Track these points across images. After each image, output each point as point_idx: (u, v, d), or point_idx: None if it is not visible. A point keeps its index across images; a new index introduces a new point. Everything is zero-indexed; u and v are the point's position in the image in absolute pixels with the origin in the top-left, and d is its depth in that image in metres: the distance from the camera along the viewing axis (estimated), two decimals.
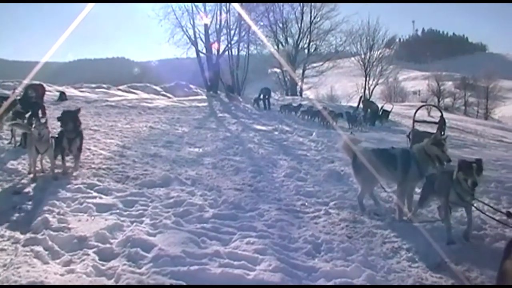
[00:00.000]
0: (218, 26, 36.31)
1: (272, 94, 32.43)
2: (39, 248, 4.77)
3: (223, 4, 35.55)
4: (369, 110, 27.21)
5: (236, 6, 34.42)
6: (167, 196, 7.11)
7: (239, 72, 40.06)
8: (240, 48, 41.13)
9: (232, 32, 37.49)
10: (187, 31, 35.56)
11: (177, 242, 5.12)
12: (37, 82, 18.16)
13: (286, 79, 54.10)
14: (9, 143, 10.59)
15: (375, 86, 60.44)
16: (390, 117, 28.42)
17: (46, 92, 17.69)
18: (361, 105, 29.01)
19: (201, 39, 36.16)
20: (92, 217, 5.96)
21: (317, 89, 61.70)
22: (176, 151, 11.25)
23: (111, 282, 4.26)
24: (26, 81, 18.50)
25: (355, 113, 25.20)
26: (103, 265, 4.55)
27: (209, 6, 35.85)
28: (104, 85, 36.37)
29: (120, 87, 37.52)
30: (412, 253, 5.26)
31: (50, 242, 4.94)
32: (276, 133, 16.67)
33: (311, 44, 54.95)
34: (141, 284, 4.19)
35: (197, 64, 36.65)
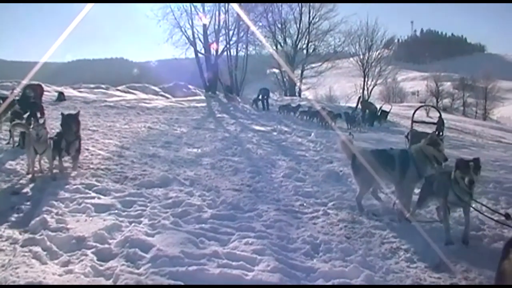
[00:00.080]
0: (216, 27, 36.31)
1: (271, 94, 32.48)
2: (37, 249, 4.77)
3: (221, 4, 35.55)
4: (367, 110, 27.20)
5: (235, 6, 34.43)
6: (165, 197, 7.11)
7: (238, 72, 40.06)
8: (239, 49, 41.21)
9: (231, 32, 37.48)
10: (185, 31, 35.55)
11: (175, 242, 5.12)
12: (36, 82, 18.17)
13: (284, 79, 54.21)
14: (8, 143, 10.59)
15: (373, 87, 60.53)
16: (388, 117, 28.41)
17: (45, 93, 17.72)
18: (359, 106, 28.99)
19: (200, 40, 36.15)
20: (90, 218, 5.96)
21: (315, 90, 61.80)
22: (174, 152, 11.24)
23: (109, 283, 4.26)
24: (24, 82, 18.52)
25: (354, 114, 25.20)
26: (101, 265, 4.54)
27: (208, 6, 35.85)
28: (103, 86, 36.39)
29: (119, 88, 37.55)
30: (410, 253, 5.26)
31: (48, 243, 4.94)
32: (275, 133, 16.66)
33: (309, 44, 55.05)
34: (140, 284, 4.19)
35: (196, 64, 36.62)
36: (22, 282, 4.07)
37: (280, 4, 48.35)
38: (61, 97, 24.19)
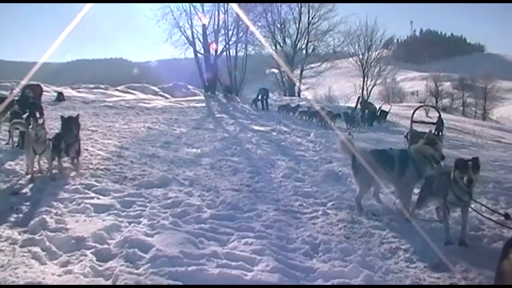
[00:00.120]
0: (216, 27, 36.32)
1: (270, 94, 32.46)
2: (36, 249, 4.76)
3: (221, 4, 35.57)
4: (366, 111, 27.20)
5: (234, 6, 34.44)
6: (165, 197, 7.11)
7: (237, 72, 40.04)
8: (238, 49, 41.17)
9: (230, 32, 37.50)
10: (185, 31, 35.58)
11: (175, 242, 5.12)
12: (35, 83, 18.16)
13: (284, 79, 54.25)
14: (7, 143, 10.59)
15: (373, 87, 60.53)
16: (388, 117, 28.42)
17: (44, 93, 17.70)
18: (358, 106, 29.00)
19: (199, 40, 36.17)
20: (90, 218, 5.95)
21: (315, 90, 61.82)
22: (174, 152, 11.24)
23: (108, 283, 4.26)
24: (24, 82, 18.51)
25: (353, 114, 25.21)
26: (100, 265, 4.54)
27: (207, 6, 35.86)
28: (102, 86, 36.40)
29: (118, 88, 37.55)
30: (410, 253, 5.26)
31: (47, 243, 4.93)
32: (274, 133, 16.67)
33: (309, 44, 55.07)
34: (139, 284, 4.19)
35: (195, 64, 36.62)
36: (21, 283, 4.06)
37: (279, 4, 48.41)
38: (60, 97, 24.21)
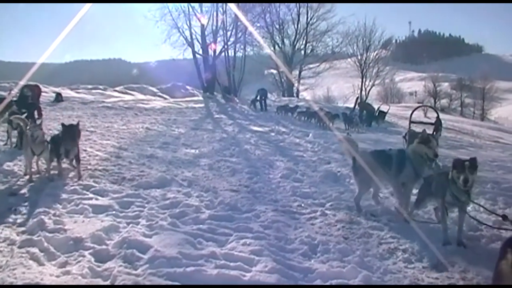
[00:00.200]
0: (214, 27, 36.34)
1: (269, 95, 32.47)
2: (34, 250, 4.77)
3: (219, 5, 35.58)
4: (364, 111, 27.22)
5: (233, 7, 34.46)
6: (163, 197, 7.11)
7: (236, 73, 40.03)
8: (237, 49, 41.15)
9: (229, 33, 37.52)
10: (183, 32, 35.62)
11: (173, 243, 5.12)
12: (33, 83, 18.15)
13: (282, 80, 54.23)
14: (5, 144, 10.59)
15: (371, 87, 60.48)
16: (386, 118, 28.44)
17: (43, 93, 17.68)
18: (357, 107, 29.02)
19: (198, 40, 36.19)
20: (88, 219, 5.95)
21: (313, 90, 61.73)
22: (172, 152, 11.24)
23: (107, 284, 4.25)
24: (22, 82, 18.50)
25: (352, 114, 25.23)
26: (99, 266, 4.53)
27: (206, 7, 35.88)
28: (101, 86, 36.43)
29: (117, 88, 37.59)
30: (408, 254, 5.26)
31: (45, 244, 4.94)
32: (273, 134, 16.68)
33: (307, 45, 54.99)
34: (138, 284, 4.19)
35: (193, 65, 36.64)
36: (19, 283, 4.08)
37: (278, 4, 48.47)
38: (58, 98, 24.21)
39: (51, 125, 9.98)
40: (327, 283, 4.41)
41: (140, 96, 33.49)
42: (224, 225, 5.97)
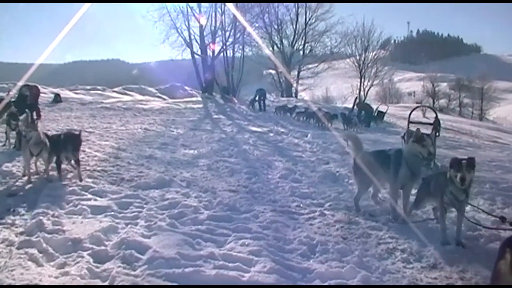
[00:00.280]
0: (213, 28, 36.34)
1: (268, 95, 32.45)
2: (33, 251, 4.76)
3: (218, 5, 35.59)
4: (363, 112, 27.20)
5: (231, 7, 34.44)
6: (162, 198, 7.11)
7: (234, 73, 40.02)
8: (235, 50, 41.15)
9: (227, 33, 37.53)
10: (182, 32, 35.63)
11: (171, 244, 5.12)
12: (32, 84, 18.13)
13: (281, 80, 54.18)
14: (4, 145, 10.58)
15: (370, 87, 60.51)
16: (385, 118, 28.45)
17: (41, 94, 17.64)
18: (356, 107, 29.00)
19: (196, 41, 36.21)
20: (87, 220, 5.95)
21: (312, 91, 61.70)
22: (171, 153, 11.24)
23: (105, 284, 4.25)
24: (20, 83, 18.47)
25: (350, 115, 25.21)
26: (97, 267, 4.53)
27: (204, 7, 35.90)
28: (99, 87, 36.36)
29: (115, 89, 37.52)
30: (407, 254, 5.26)
31: (44, 245, 4.93)
32: (271, 134, 16.69)
33: (306, 45, 54.97)
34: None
35: (192, 65, 36.66)
36: (18, 284, 4.06)
37: (276, 5, 48.41)
38: (57, 98, 24.18)
39: (49, 126, 9.95)
40: (326, 283, 4.41)
41: (139, 97, 33.44)
42: (222, 226, 5.97)
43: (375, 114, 27.41)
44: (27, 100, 12.43)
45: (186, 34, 35.69)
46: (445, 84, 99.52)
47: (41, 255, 4.72)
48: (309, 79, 56.25)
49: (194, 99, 32.59)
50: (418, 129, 6.93)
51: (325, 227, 6.21)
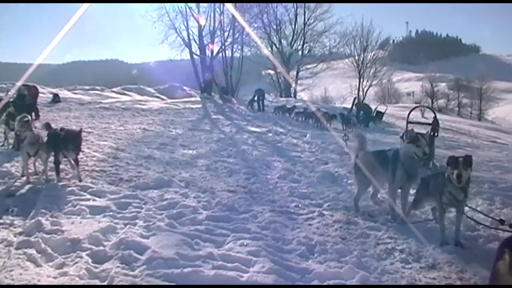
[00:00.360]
0: (212, 28, 36.36)
1: (266, 95, 32.44)
2: (32, 251, 4.76)
3: (217, 5, 35.60)
4: (362, 112, 27.19)
5: (230, 7, 34.48)
6: (160, 198, 7.11)
7: (233, 73, 40.03)
8: (234, 50, 41.17)
9: (226, 33, 37.55)
10: (180, 32, 35.64)
11: (170, 244, 5.11)
12: (31, 84, 18.13)
13: (280, 80, 54.15)
14: (2, 145, 10.57)
15: (369, 88, 60.49)
16: (384, 118, 28.44)
17: (40, 94, 17.66)
18: (354, 107, 28.98)
19: (195, 41, 36.22)
20: (85, 220, 5.94)
21: (311, 91, 61.73)
22: (170, 153, 11.24)
23: (104, 285, 4.25)
24: (19, 83, 18.47)
25: (349, 115, 25.19)
26: (96, 267, 4.52)
27: (203, 7, 35.90)
28: (98, 87, 36.32)
29: (114, 89, 37.47)
30: (405, 254, 5.26)
31: (43, 245, 4.93)
32: (270, 134, 16.70)
33: (305, 45, 54.97)
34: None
35: (191, 66, 36.67)
36: (16, 285, 4.06)
37: (275, 5, 48.40)
38: (56, 98, 24.16)
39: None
40: (325, 284, 4.41)
41: (138, 97, 33.40)
42: (221, 226, 5.97)
43: (374, 114, 27.40)
44: (26, 100, 12.44)
45: (185, 34, 35.77)
46: (444, 84, 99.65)
47: (39, 255, 4.72)
48: (308, 79, 56.25)
49: (193, 99, 32.57)
50: (412, 129, 6.95)
51: (323, 227, 6.21)
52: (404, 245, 5.52)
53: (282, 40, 54.81)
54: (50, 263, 4.60)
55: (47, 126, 8.55)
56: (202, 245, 5.24)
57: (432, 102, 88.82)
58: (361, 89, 58.43)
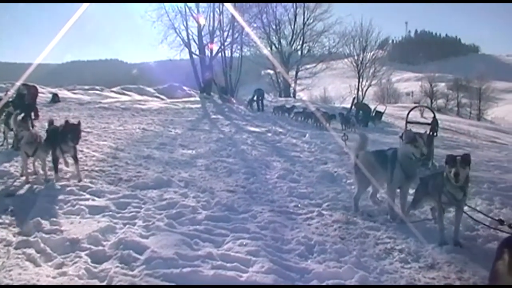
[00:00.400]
0: (211, 28, 36.38)
1: (266, 95, 32.45)
2: (31, 251, 4.75)
3: (216, 5, 35.63)
4: (361, 112, 27.20)
5: (229, 7, 34.54)
6: (160, 198, 7.10)
7: (233, 73, 40.06)
8: (234, 50, 41.20)
9: (225, 33, 37.58)
10: (180, 32, 35.67)
11: (169, 244, 5.11)
12: (31, 84, 18.12)
13: (279, 80, 54.24)
14: (1, 145, 10.56)
15: (368, 88, 60.67)
16: (383, 118, 28.45)
17: (39, 94, 17.65)
18: (353, 107, 28.99)
19: (194, 41, 36.24)
20: (85, 220, 5.93)
21: (310, 91, 61.84)
22: (169, 153, 11.23)
23: (103, 284, 4.25)
24: (18, 83, 18.47)
25: (349, 115, 25.20)
26: (95, 267, 4.51)
27: (202, 7, 35.91)
28: (97, 87, 36.31)
29: (113, 89, 37.47)
30: (404, 254, 5.26)
31: (42, 245, 4.92)
32: (270, 134, 16.69)
33: (304, 45, 55.14)
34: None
35: (191, 66, 36.68)
36: (15, 285, 4.05)
37: (274, 5, 48.49)
38: (55, 98, 24.14)
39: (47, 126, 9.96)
40: (324, 283, 4.40)
41: (137, 97, 33.40)
42: (220, 226, 5.97)
43: (373, 114, 27.42)
44: (25, 100, 12.43)
45: (184, 34, 35.85)
46: (443, 84, 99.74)
47: (39, 255, 4.71)
48: (307, 79, 56.38)
49: (192, 99, 32.58)
50: (409, 129, 6.95)
51: (323, 227, 6.21)
52: (403, 245, 5.52)
53: (282, 40, 55.06)
54: (49, 263, 4.59)
55: (50, 123, 8.55)
56: (201, 245, 5.23)
57: (431, 102, 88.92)
58: (360, 89, 58.65)
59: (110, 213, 6.25)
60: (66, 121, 8.16)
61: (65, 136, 7.82)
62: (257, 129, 18.02)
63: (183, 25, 35.68)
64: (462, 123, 50.43)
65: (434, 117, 13.50)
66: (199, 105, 27.48)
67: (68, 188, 7.22)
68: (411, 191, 6.82)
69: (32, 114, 12.89)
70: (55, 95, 24.70)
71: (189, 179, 8.64)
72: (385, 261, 5.09)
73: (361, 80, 58.82)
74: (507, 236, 3.76)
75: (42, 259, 4.65)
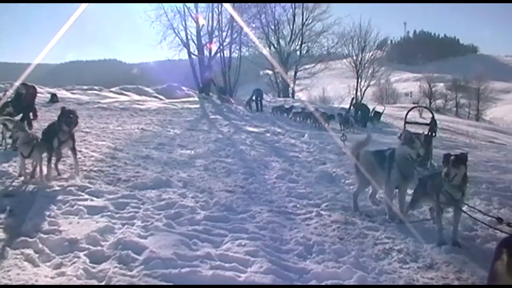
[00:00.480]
0: (210, 28, 36.36)
1: (264, 96, 32.46)
2: (29, 251, 4.74)
3: (215, 5, 35.61)
4: (359, 112, 27.21)
5: (228, 7, 34.55)
6: (158, 198, 7.09)
7: (231, 74, 40.05)
8: (232, 50, 41.19)
9: (224, 34, 37.56)
10: (179, 33, 35.67)
11: (168, 244, 5.11)
12: (29, 84, 18.09)
13: (278, 81, 54.33)
14: (0, 145, 10.54)
15: (367, 88, 60.77)
16: (381, 118, 28.45)
17: (38, 94, 17.62)
18: (352, 107, 28.99)
19: (193, 41, 36.22)
20: (83, 220, 5.92)
21: (309, 91, 61.97)
22: (167, 153, 11.21)
23: (102, 285, 4.24)
24: (17, 83, 18.44)
25: (347, 115, 25.22)
26: (94, 267, 4.51)
27: (201, 7, 35.91)
28: (96, 87, 36.23)
29: (112, 89, 37.36)
30: (403, 254, 5.27)
31: (40, 245, 4.91)
32: (268, 135, 16.68)
33: (303, 46, 55.31)
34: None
35: (189, 66, 36.67)
36: (14, 285, 4.05)
37: (273, 5, 48.54)
38: (54, 98, 24.06)
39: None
40: (323, 284, 4.41)
41: (136, 97, 33.30)
42: (219, 226, 5.97)
43: (372, 114, 27.45)
44: (23, 100, 12.40)
45: (183, 34, 35.83)
46: (441, 84, 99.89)
47: (37, 255, 4.70)
48: (306, 79, 56.52)
49: (191, 99, 32.51)
50: (407, 130, 6.96)
51: (321, 227, 6.21)
52: (402, 245, 5.53)
53: (280, 40, 55.17)
54: (48, 263, 4.58)
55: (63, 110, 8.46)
56: (200, 245, 5.23)
57: (430, 102, 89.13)
58: (359, 89, 58.75)
59: (109, 213, 6.23)
60: (63, 107, 8.17)
61: (61, 122, 7.85)
62: (255, 129, 18.00)
63: (182, 25, 35.73)
64: (461, 124, 50.48)
65: (433, 117, 13.50)
66: (197, 105, 27.44)
67: (67, 188, 7.19)
68: (410, 191, 6.83)
69: (31, 114, 12.85)
70: (53, 95, 24.62)
71: (188, 179, 8.63)
72: (383, 261, 5.10)
73: (359, 80, 58.93)
74: (505, 236, 3.76)
75: (41, 259, 4.64)
